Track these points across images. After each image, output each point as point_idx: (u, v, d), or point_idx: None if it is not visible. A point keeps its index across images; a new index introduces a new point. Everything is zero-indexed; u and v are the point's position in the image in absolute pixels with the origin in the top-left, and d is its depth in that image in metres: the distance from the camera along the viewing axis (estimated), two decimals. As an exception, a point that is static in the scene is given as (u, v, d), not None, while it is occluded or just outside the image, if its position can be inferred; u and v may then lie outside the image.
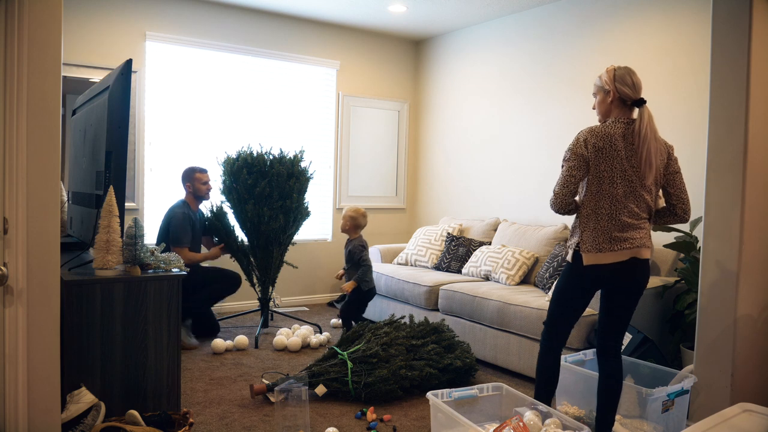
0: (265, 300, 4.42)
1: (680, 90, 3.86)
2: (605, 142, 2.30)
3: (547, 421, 2.27)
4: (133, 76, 4.59)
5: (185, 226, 4.10)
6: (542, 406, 2.37)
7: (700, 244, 3.11)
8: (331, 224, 5.71)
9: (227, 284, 4.32)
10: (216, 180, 4.41)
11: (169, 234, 4.07)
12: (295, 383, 2.83)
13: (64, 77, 4.04)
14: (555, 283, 2.51)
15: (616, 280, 2.36)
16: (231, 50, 5.09)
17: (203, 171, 4.29)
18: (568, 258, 2.43)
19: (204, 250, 4.50)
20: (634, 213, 2.33)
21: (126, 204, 3.24)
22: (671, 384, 2.61)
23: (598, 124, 2.38)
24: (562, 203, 2.37)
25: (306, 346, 4.10)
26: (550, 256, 4.06)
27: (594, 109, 2.47)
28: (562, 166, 2.38)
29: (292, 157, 4.33)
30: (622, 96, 2.34)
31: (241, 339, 4.03)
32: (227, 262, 4.71)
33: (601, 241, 2.31)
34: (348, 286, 4.03)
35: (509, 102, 5.08)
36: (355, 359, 3.18)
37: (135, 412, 2.27)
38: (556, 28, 4.67)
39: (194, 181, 4.25)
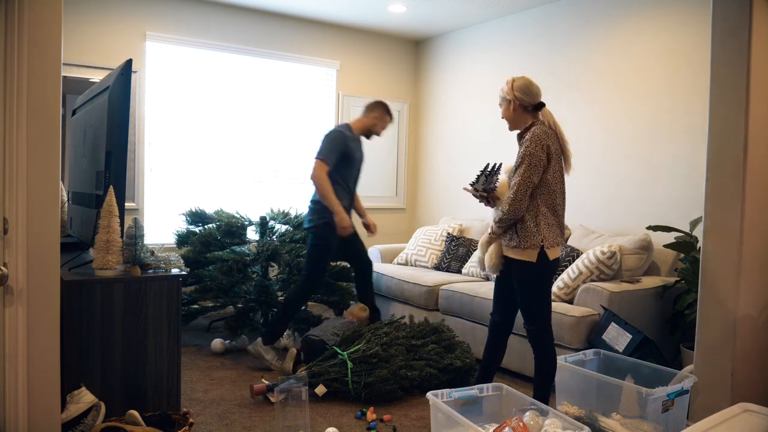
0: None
1: (680, 90, 3.86)
2: (555, 143, 2.60)
3: (547, 421, 2.27)
4: (133, 76, 4.59)
5: (337, 145, 3.59)
6: (542, 406, 2.37)
7: (700, 244, 3.11)
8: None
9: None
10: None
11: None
12: (295, 383, 2.83)
13: (64, 77, 4.03)
14: (529, 291, 2.68)
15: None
16: (231, 50, 5.09)
17: (391, 118, 3.85)
18: (531, 258, 2.58)
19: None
20: (563, 207, 2.68)
21: (126, 204, 3.23)
22: (671, 384, 2.61)
23: (534, 128, 2.60)
24: (520, 209, 2.57)
25: (306, 346, 4.10)
26: (550, 256, 4.06)
27: (502, 117, 2.74)
28: (521, 170, 2.55)
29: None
30: (522, 103, 2.64)
31: (241, 339, 4.03)
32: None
33: (556, 235, 2.62)
34: None
35: (509, 102, 5.07)
36: (355, 359, 3.18)
37: (135, 412, 2.27)
38: (556, 28, 4.67)
39: (381, 119, 3.76)
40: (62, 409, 2.13)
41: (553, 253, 2.61)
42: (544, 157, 2.54)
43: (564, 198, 2.68)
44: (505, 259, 2.70)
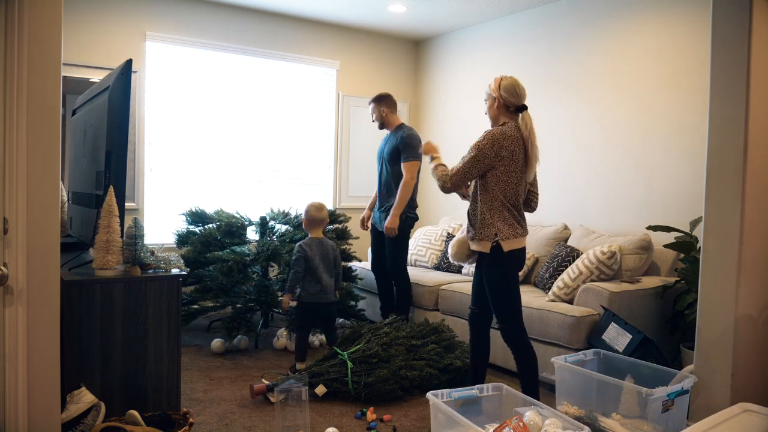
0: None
1: (679, 90, 3.86)
2: (516, 146, 2.65)
3: (547, 422, 2.27)
4: (133, 76, 4.59)
5: (419, 144, 3.88)
6: (542, 406, 2.37)
7: (700, 244, 3.11)
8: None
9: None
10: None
11: (406, 147, 3.84)
12: (295, 383, 2.83)
13: (64, 77, 4.04)
14: (495, 288, 2.76)
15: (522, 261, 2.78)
16: (231, 50, 5.09)
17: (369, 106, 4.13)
18: (485, 249, 2.69)
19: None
20: (521, 205, 2.78)
21: (126, 204, 3.23)
22: (671, 384, 2.61)
23: (502, 126, 2.69)
24: (455, 188, 2.77)
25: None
26: (550, 256, 4.06)
27: (485, 114, 2.82)
28: (466, 158, 2.68)
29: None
30: (506, 103, 2.71)
31: (241, 339, 4.03)
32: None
33: (514, 228, 2.69)
34: (284, 300, 3.52)
35: (509, 102, 5.08)
36: (355, 359, 3.18)
37: (135, 412, 2.27)
38: (556, 28, 4.67)
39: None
40: (62, 409, 2.13)
41: (508, 245, 2.66)
42: (492, 157, 2.63)
43: (520, 197, 2.75)
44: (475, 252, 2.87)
